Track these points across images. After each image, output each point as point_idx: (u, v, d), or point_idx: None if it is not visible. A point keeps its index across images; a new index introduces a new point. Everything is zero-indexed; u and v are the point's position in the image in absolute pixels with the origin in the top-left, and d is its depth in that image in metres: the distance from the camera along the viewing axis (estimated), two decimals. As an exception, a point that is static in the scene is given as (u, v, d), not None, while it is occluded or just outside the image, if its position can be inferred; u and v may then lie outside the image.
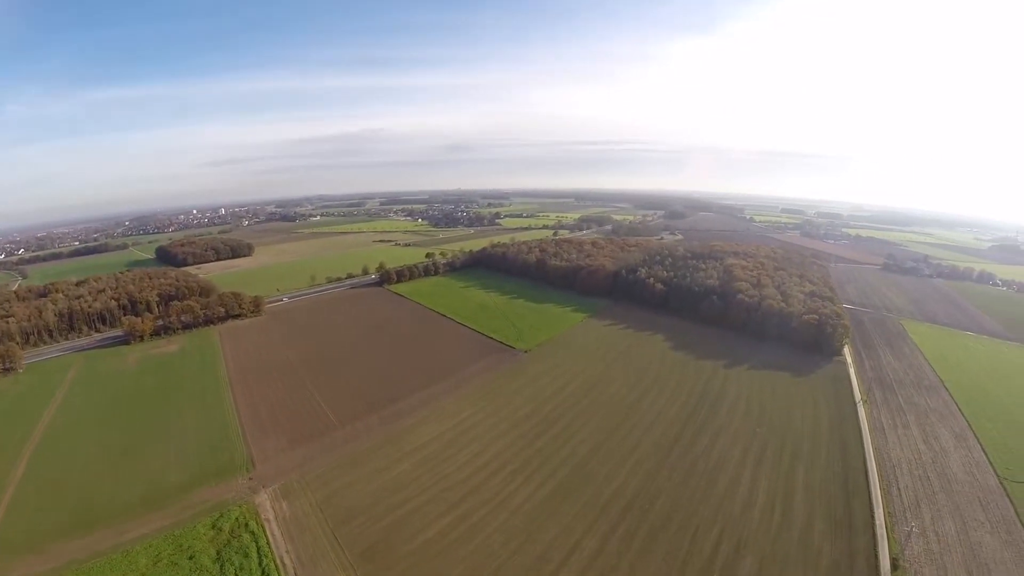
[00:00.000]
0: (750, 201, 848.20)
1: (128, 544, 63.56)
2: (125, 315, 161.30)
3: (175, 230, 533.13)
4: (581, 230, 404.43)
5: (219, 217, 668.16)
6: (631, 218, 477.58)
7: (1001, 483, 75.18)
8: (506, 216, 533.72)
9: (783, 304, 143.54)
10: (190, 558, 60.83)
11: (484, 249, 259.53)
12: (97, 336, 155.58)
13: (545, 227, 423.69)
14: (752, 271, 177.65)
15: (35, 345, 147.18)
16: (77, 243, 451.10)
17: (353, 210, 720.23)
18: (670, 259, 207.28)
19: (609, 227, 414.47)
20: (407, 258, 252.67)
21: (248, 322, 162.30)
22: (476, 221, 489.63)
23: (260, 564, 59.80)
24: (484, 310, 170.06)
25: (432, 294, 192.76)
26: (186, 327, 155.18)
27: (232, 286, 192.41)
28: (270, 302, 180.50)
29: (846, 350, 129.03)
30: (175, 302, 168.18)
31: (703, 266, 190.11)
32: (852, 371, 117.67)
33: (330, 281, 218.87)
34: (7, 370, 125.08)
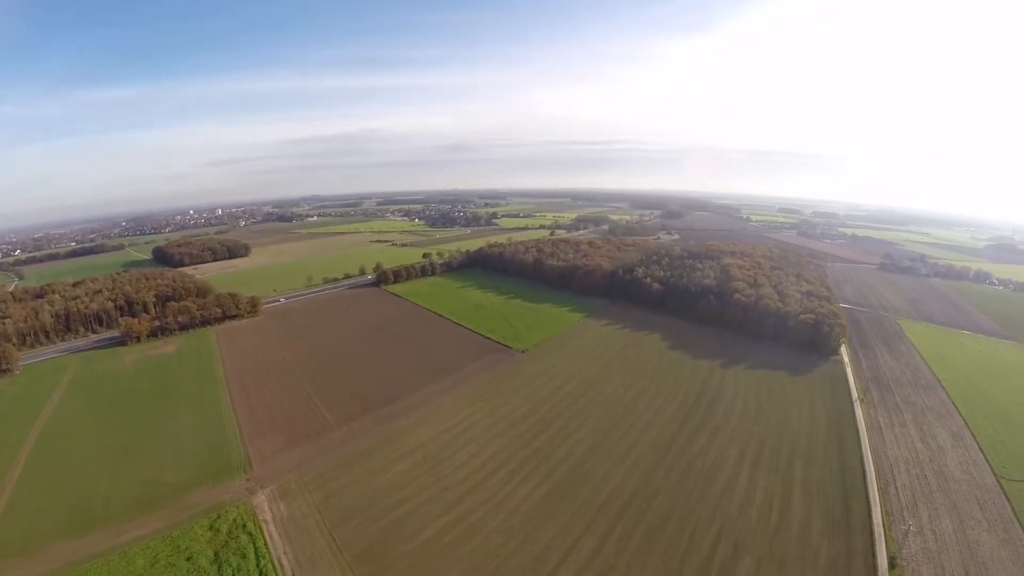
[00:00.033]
0: (747, 201, 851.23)
1: (125, 545, 63.40)
2: (122, 316, 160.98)
3: (172, 231, 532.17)
4: (578, 230, 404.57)
5: (216, 218, 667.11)
6: (628, 218, 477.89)
7: (998, 481, 75.40)
8: (503, 216, 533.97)
9: (780, 304, 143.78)
10: (188, 559, 60.72)
11: (481, 249, 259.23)
12: (94, 337, 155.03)
13: (542, 227, 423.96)
14: (749, 271, 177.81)
15: (32, 346, 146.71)
16: (74, 244, 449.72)
17: (350, 210, 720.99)
18: (667, 259, 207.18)
19: (606, 227, 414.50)
20: (404, 258, 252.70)
21: (245, 323, 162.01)
22: (473, 221, 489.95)
23: (258, 565, 59.69)
24: (481, 310, 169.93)
25: (429, 294, 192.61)
26: (183, 328, 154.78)
27: (229, 287, 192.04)
28: (267, 303, 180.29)
29: (843, 349, 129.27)
30: (172, 303, 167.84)
31: (700, 266, 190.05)
32: (849, 370, 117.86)
33: (327, 281, 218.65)
34: (3, 371, 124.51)
